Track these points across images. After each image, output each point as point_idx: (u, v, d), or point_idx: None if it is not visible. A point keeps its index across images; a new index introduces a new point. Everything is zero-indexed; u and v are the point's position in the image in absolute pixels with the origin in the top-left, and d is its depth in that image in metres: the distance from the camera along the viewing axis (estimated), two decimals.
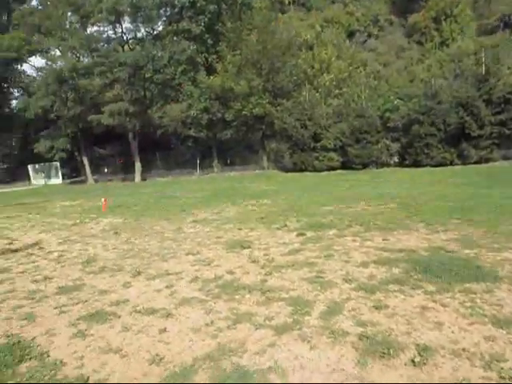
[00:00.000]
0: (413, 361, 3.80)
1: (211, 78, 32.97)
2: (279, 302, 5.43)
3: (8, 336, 5.07)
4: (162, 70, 34.93)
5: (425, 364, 3.74)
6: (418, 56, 56.04)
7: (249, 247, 8.36)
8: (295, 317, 4.92)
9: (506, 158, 23.62)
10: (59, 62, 35.34)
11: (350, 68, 37.15)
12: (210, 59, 35.45)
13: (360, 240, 8.20)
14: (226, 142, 37.52)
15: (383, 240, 8.07)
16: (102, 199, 9.60)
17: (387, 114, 26.88)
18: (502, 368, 3.59)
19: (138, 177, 36.74)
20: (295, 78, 33.00)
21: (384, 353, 3.96)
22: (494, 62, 26.61)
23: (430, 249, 7.23)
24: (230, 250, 8.31)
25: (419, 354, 3.89)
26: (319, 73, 35.05)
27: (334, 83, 34.18)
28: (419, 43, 60.13)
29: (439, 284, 5.52)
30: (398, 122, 26.16)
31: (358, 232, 8.87)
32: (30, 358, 4.47)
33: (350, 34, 53.46)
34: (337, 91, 33.49)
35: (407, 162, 25.48)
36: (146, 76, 35.67)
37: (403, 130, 25.84)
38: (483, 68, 24.88)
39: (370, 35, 58.26)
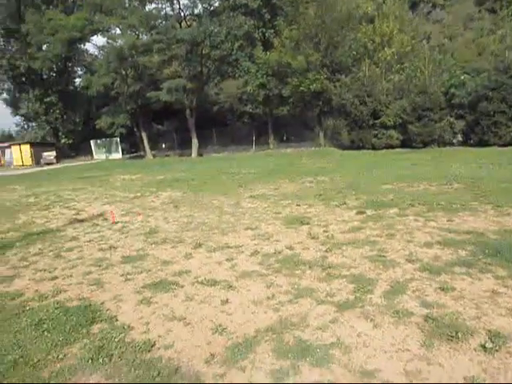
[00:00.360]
0: (483, 346, 3.67)
1: (268, 53, 32.55)
2: (340, 278, 5.39)
3: (80, 299, 5.40)
4: (219, 46, 34.93)
5: (497, 351, 3.60)
6: (490, 26, 52.39)
7: (308, 223, 8.33)
8: (357, 294, 4.87)
9: None
10: (119, 40, 36.15)
11: (413, 41, 35.26)
12: (267, 34, 34.94)
13: (423, 220, 7.93)
14: (282, 118, 37.22)
15: (448, 221, 7.75)
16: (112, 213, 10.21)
17: (452, 90, 25.42)
18: None
19: (194, 152, 37.38)
20: (354, 52, 31.87)
21: (452, 336, 3.85)
22: None
23: (499, 232, 6.86)
24: (288, 226, 8.32)
25: (490, 340, 3.75)
26: (380, 47, 33.58)
27: (396, 58, 32.69)
28: (492, 11, 56.03)
29: (511, 269, 5.25)
30: (463, 98, 24.70)
31: (421, 212, 8.57)
32: (101, 321, 4.75)
33: (413, 5, 50.67)
34: (398, 66, 31.97)
35: (472, 142, 24.15)
36: (203, 52, 35.83)
37: (469, 107, 24.35)
38: None
39: (434, 5, 55.06)
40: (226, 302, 5.00)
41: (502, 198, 9.27)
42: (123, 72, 36.73)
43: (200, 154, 37.40)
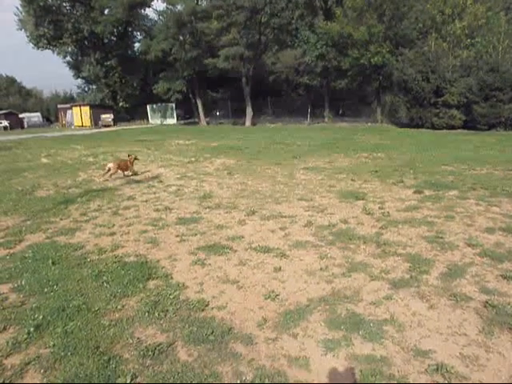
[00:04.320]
0: None
1: (329, 23, 31.56)
2: (395, 256, 5.30)
3: (137, 256, 5.62)
4: (278, 14, 34.29)
5: None
6: None
7: (363, 199, 8.19)
8: (413, 274, 4.77)
9: None
10: (179, 6, 36.20)
11: (489, 13, 32.91)
12: (329, 3, 33.85)
13: (485, 205, 7.57)
14: (339, 91, 36.38)
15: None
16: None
17: None
18: None
19: (248, 121, 37.42)
20: (421, 25, 30.19)
21: None
22: None
23: None
24: (343, 200, 8.21)
25: None
26: (450, 19, 31.65)
27: (466, 32, 30.73)
28: None
29: None
30: None
31: (483, 196, 8.18)
32: (157, 278, 4.92)
33: None
34: (468, 41, 30.15)
35: None
36: (263, 20, 35.26)
37: None
38: None
39: None
40: (279, 269, 5.04)
41: None
42: (181, 38, 36.92)
43: (254, 124, 37.39)
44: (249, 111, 37.46)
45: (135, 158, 12.26)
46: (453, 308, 4.06)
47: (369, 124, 30.01)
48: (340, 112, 36.81)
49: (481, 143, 17.23)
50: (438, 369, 3.21)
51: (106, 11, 42.27)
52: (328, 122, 33.34)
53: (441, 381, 3.10)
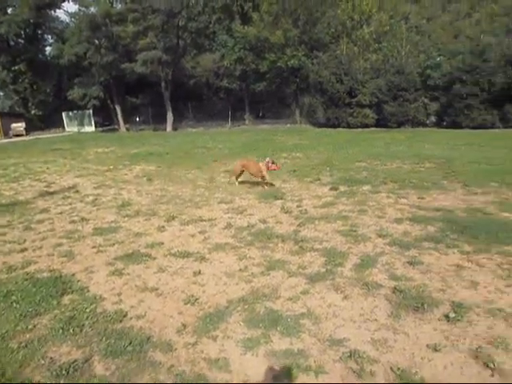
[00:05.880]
0: (447, 316, 3.81)
1: (246, 27, 32.03)
2: (312, 252, 5.48)
3: (51, 271, 5.31)
4: (196, 18, 34.14)
5: (459, 320, 3.74)
6: (467, 10, 52.76)
7: (281, 198, 8.39)
8: (328, 267, 4.96)
9: None
10: (92, 8, 34.81)
11: (392, 21, 35.29)
12: (245, 8, 34.31)
13: (394, 197, 8.10)
14: (259, 94, 36.94)
15: (418, 198, 7.95)
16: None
17: (428, 72, 25.71)
18: None
19: (169, 127, 36.81)
20: (333, 30, 31.67)
21: (418, 307, 3.97)
22: None
23: (467, 210, 7.07)
24: (262, 200, 8.35)
25: (454, 310, 3.89)
26: (358, 25, 33.52)
27: (374, 37, 32.68)
28: None
29: (476, 245, 5.44)
30: (438, 80, 25.01)
31: (393, 189, 8.75)
32: (72, 292, 4.68)
33: None
34: (376, 45, 32.08)
35: (445, 123, 24.60)
36: (180, 24, 34.89)
37: (443, 88, 24.72)
38: None
39: None
40: (199, 273, 5.01)
41: (471, 178, 9.54)
42: (96, 41, 35.51)
43: (175, 129, 36.88)
44: (169, 116, 36.88)
45: (273, 162, 9.66)
46: (365, 296, 4.27)
47: (288, 125, 30.78)
48: (260, 114, 37.41)
49: (391, 140, 18.38)
50: (351, 355, 3.36)
51: (9, 10, 39.44)
52: (249, 125, 33.73)
53: (354, 367, 3.24)
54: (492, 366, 3.15)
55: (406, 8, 51.04)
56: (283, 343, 3.57)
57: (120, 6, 36.37)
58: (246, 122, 35.12)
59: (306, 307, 4.12)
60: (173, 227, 6.94)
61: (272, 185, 9.71)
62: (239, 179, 10.16)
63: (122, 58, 36.02)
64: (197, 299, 4.38)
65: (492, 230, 5.88)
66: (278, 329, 3.76)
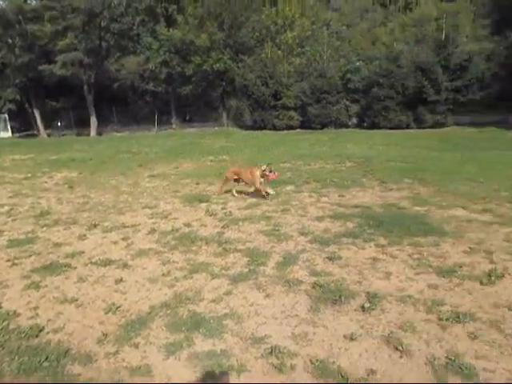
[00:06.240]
0: (362, 307, 3.99)
1: (171, 30, 31.65)
2: (236, 252, 5.51)
3: None
4: (118, 19, 33.10)
5: (373, 309, 3.94)
6: (382, 19, 56.06)
7: (207, 201, 8.37)
8: (251, 267, 5.02)
9: (458, 123, 24.39)
10: (2, 2, 32.63)
11: (314, 27, 36.64)
12: (170, 10, 33.87)
13: (316, 196, 8.38)
14: (185, 97, 36.62)
15: (339, 196, 8.29)
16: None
17: (348, 75, 26.93)
18: (440, 311, 3.87)
19: (93, 131, 35.40)
20: (257, 34, 32.22)
21: (336, 300, 4.13)
22: (453, 28, 27.00)
23: (383, 205, 7.48)
24: (187, 204, 8.28)
25: (368, 300, 4.09)
26: (282, 30, 34.40)
27: (297, 41, 33.70)
28: (383, 5, 59.98)
29: (390, 238, 5.77)
30: (358, 83, 26.26)
31: (315, 188, 9.06)
32: None
33: None
34: (299, 50, 33.09)
35: (365, 124, 25.87)
36: (102, 24, 33.64)
37: (363, 91, 26.03)
38: (443, 34, 25.14)
39: None
40: (121, 280, 4.86)
41: (387, 175, 10.12)
42: (9, 40, 33.29)
43: (99, 134, 35.55)
44: (93, 121, 35.50)
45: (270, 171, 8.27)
46: (286, 293, 4.36)
47: (216, 128, 30.80)
48: (187, 118, 37.13)
49: (315, 141, 19.04)
50: (272, 351, 3.40)
51: None
52: (176, 129, 33.34)
53: (275, 362, 3.30)
54: (401, 348, 3.36)
55: (328, 15, 53.14)
56: (206, 345, 3.56)
57: (35, 2, 34.34)
58: (173, 125, 34.68)
59: (228, 308, 4.13)
60: (94, 235, 6.67)
61: (267, 193, 8.36)
62: (235, 187, 8.89)
63: (40, 59, 33.99)
64: (118, 307, 4.24)
65: (405, 224, 6.27)
66: (201, 331, 3.74)
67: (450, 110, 24.20)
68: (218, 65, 29.51)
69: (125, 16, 32.94)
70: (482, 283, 4.38)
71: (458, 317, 3.73)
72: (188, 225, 6.86)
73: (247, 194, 8.84)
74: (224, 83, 31.94)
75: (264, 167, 8.10)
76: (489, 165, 11.25)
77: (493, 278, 4.44)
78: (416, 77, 23.64)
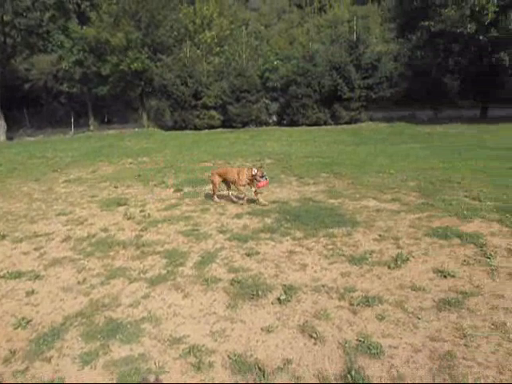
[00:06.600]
0: (279, 299, 4.11)
1: (85, 27, 30.21)
2: (154, 255, 5.45)
3: None
4: (24, 14, 30.90)
5: (289, 301, 4.08)
6: (299, 20, 57.79)
7: (125, 204, 8.15)
8: (169, 268, 4.99)
9: (372, 119, 25.78)
10: None
11: (232, 26, 36.86)
12: (82, 6, 32.27)
13: (235, 194, 8.43)
14: (103, 98, 35.20)
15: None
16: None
17: (267, 74, 27.41)
18: (352, 297, 4.10)
19: (2, 136, 32.89)
20: (176, 33, 31.71)
21: (253, 294, 4.22)
22: (364, 30, 28.44)
23: (300, 200, 7.73)
24: (104, 209, 8.00)
25: (285, 292, 4.23)
26: (200, 29, 34.24)
27: (216, 41, 33.71)
28: (299, 7, 61.85)
29: (306, 230, 5.99)
30: (276, 82, 26.82)
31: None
32: None
33: None
34: (218, 49, 33.13)
35: (285, 122, 26.47)
36: (5, 19, 31.27)
37: (282, 90, 26.62)
38: (355, 35, 26.36)
39: None
40: (32, 293, 4.62)
41: (305, 170, 10.47)
42: None
43: (10, 138, 33.07)
44: (2, 124, 32.97)
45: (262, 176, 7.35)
46: (205, 292, 4.39)
47: (136, 129, 29.93)
48: (106, 119, 35.79)
49: (236, 139, 19.23)
50: (190, 351, 3.42)
51: None
52: (94, 131, 31.96)
53: (193, 361, 3.31)
54: (315, 335, 3.52)
55: (246, 15, 53.73)
56: (123, 351, 3.50)
57: None
58: (91, 127, 33.22)
59: (146, 311, 4.09)
60: (3, 247, 6.25)
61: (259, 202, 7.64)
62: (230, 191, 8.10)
63: None
64: (29, 321, 4.04)
65: (320, 216, 6.53)
66: (118, 337, 3.68)
67: (363, 107, 25.43)
68: (135, 64, 28.63)
69: (32, 11, 30.80)
70: (389, 267, 4.68)
71: (368, 301, 3.98)
72: (105, 230, 6.65)
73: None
74: (143, 83, 31.05)
75: (255, 170, 7.28)
76: (398, 157, 12.02)
77: (399, 262, 4.76)
78: (331, 75, 24.56)
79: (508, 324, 3.51)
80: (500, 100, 26.09)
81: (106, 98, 34.90)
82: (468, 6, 19.91)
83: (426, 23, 21.94)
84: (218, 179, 7.76)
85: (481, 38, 20.51)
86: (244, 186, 7.54)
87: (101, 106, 35.58)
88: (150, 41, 29.55)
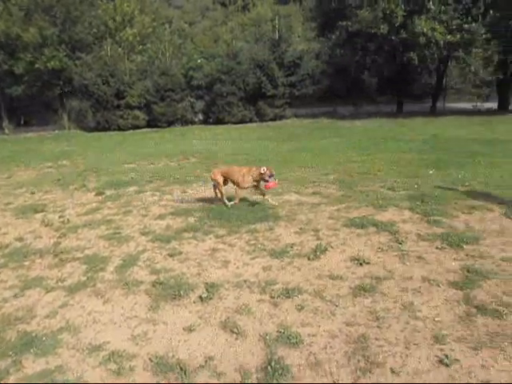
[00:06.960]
0: (201, 297, 4.15)
1: None
2: (73, 262, 5.28)
3: None
4: None
5: (211, 299, 4.13)
6: (223, 18, 57.89)
7: (42, 211, 7.76)
8: (89, 274, 4.85)
9: (296, 115, 26.44)
10: None
11: (154, 24, 36.11)
12: None
13: (159, 194, 8.40)
14: (18, 99, 33.04)
15: (182, 192, 8.39)
16: None
17: (191, 73, 27.15)
18: (273, 290, 4.23)
19: None
20: (95, 30, 30.45)
21: (175, 295, 4.22)
22: (286, 29, 29.07)
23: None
24: (20, 216, 7.57)
25: (207, 290, 4.27)
26: (122, 26, 33.17)
27: (138, 39, 32.86)
28: (223, 5, 61.98)
29: (229, 228, 6.07)
30: (201, 80, 26.68)
31: (159, 187, 9.03)
32: None
33: None
34: (140, 47, 32.33)
35: (211, 120, 26.42)
36: None
37: (207, 88, 26.51)
38: (277, 34, 26.86)
39: None
40: None
41: None
42: None
43: None
44: None
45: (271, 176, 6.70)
46: (126, 296, 4.32)
47: (57, 131, 28.42)
48: (22, 122, 33.70)
49: (161, 139, 19.01)
50: (110, 357, 3.36)
51: None
52: (9, 134, 29.94)
53: (113, 367, 3.26)
54: (236, 331, 3.59)
55: (169, 12, 52.92)
56: (38, 365, 3.36)
57: None
58: (6, 131, 31.08)
59: (64, 320, 3.96)
60: None
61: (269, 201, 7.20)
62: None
63: None
64: None
65: (243, 213, 6.65)
66: (32, 351, 3.52)
67: (287, 104, 26.03)
68: (52, 63, 27.12)
69: None
70: (309, 259, 4.88)
71: (288, 292, 4.12)
72: (20, 239, 6.30)
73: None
74: (62, 83, 29.49)
75: (264, 169, 6.64)
76: (320, 151, 12.47)
77: (318, 253, 4.97)
78: (255, 73, 24.86)
79: (415, 303, 3.79)
80: (412, 96, 28.04)
81: (22, 99, 32.79)
82: (380, 8, 21.04)
83: (344, 23, 22.88)
84: (220, 179, 7.13)
85: (393, 38, 21.74)
86: (247, 188, 7.05)
87: (16, 108, 33.39)
88: (68, 38, 28.16)
